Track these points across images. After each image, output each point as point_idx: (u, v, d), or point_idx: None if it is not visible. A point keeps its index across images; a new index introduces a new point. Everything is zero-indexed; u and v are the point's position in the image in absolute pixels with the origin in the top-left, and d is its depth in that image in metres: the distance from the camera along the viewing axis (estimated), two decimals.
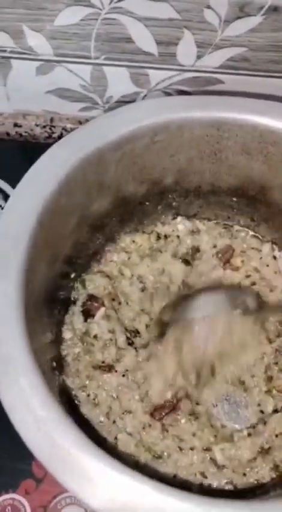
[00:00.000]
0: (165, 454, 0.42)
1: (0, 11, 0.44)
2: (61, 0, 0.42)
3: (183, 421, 0.43)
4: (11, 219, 0.35)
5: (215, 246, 0.51)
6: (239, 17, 0.43)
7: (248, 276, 0.49)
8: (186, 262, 0.50)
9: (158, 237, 0.52)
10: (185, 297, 0.47)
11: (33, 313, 0.38)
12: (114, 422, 0.44)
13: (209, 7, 0.42)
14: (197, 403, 0.44)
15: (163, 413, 0.43)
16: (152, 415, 0.43)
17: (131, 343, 0.47)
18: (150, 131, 0.41)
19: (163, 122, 0.40)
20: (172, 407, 0.43)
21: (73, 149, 0.38)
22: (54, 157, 0.38)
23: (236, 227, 0.53)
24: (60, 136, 0.58)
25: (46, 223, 0.37)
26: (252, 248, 0.51)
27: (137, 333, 0.48)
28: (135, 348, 0.47)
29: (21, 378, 0.31)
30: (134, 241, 0.52)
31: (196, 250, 0.51)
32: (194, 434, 0.43)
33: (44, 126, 0.57)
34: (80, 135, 0.39)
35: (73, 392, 0.45)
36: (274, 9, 0.42)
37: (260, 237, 0.52)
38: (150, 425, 0.43)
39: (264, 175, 0.45)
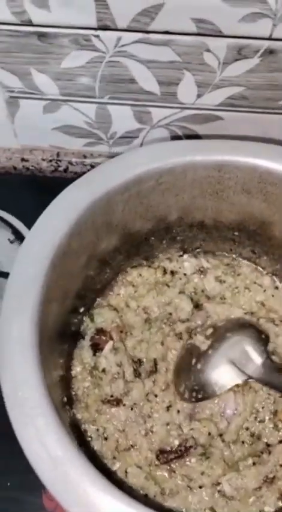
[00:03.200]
0: (174, 491, 0.43)
1: (10, 54, 0.46)
2: (68, 45, 0.44)
3: (193, 460, 0.44)
4: (26, 261, 0.37)
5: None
6: (237, 59, 0.45)
7: (252, 313, 0.51)
8: (196, 305, 0.52)
9: (164, 272, 0.53)
10: (192, 351, 0.48)
11: (46, 351, 0.39)
12: (123, 456, 0.45)
13: (208, 50, 0.44)
14: (210, 445, 0.44)
15: (169, 458, 0.44)
16: (157, 456, 0.44)
17: (138, 375, 0.48)
18: (156, 174, 0.43)
19: (168, 166, 0.42)
20: (180, 454, 0.44)
21: (83, 194, 0.40)
22: (65, 202, 0.40)
23: (238, 262, 0.54)
24: (66, 170, 0.60)
25: (58, 264, 0.39)
26: (255, 283, 0.52)
27: (140, 362, 0.49)
28: (143, 380, 0.47)
29: (38, 417, 0.32)
30: (140, 275, 0.53)
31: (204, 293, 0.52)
32: (203, 473, 0.44)
33: (50, 160, 0.59)
34: (89, 180, 0.41)
35: (83, 427, 0.46)
36: (270, 51, 0.44)
37: (260, 269, 0.54)
38: (156, 465, 0.44)
39: (263, 212, 0.47)
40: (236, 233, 0.52)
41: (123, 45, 0.44)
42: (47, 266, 0.37)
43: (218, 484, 0.44)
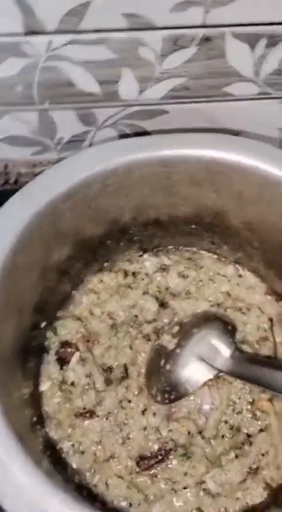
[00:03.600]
0: (158, 496, 0.42)
1: None
2: None
3: (174, 462, 0.43)
4: None
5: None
6: (174, 50, 0.44)
7: (219, 304, 0.50)
8: (162, 304, 0.51)
9: (126, 274, 0.52)
10: (161, 351, 0.47)
11: (4, 373, 0.38)
12: (102, 468, 0.44)
13: (143, 45, 0.43)
14: (191, 444, 0.44)
15: (150, 464, 0.43)
16: (138, 463, 0.43)
17: (109, 383, 0.47)
18: (101, 177, 0.41)
19: (112, 167, 0.41)
20: (161, 459, 0.43)
21: (25, 206, 0.39)
22: (6, 217, 0.38)
23: (200, 254, 0.53)
24: (16, 181, 0.58)
25: (6, 282, 0.37)
26: (218, 274, 0.52)
27: (111, 369, 0.47)
28: (115, 388, 0.46)
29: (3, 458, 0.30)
30: (101, 281, 0.52)
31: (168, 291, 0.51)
32: (185, 474, 0.43)
33: None
34: (30, 191, 0.40)
35: (59, 445, 0.44)
36: (206, 39, 0.43)
37: (223, 259, 0.53)
38: (137, 472, 0.43)
39: (216, 203, 0.46)
40: (193, 226, 0.51)
41: (55, 49, 0.43)
42: None
43: (202, 482, 0.43)
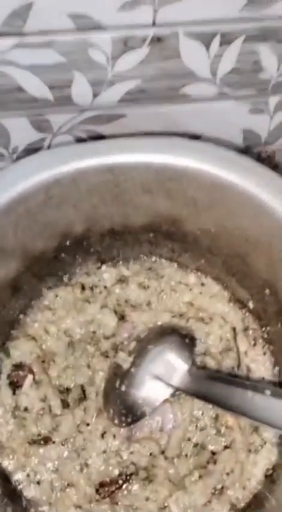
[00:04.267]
0: None
1: None
2: None
3: (135, 487, 0.41)
4: None
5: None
6: (125, 51, 0.42)
7: (181, 315, 0.48)
8: (122, 317, 0.48)
9: (83, 288, 0.50)
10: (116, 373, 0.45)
11: None
12: (59, 498, 0.41)
13: (92, 46, 0.41)
14: (153, 466, 0.41)
15: (110, 491, 0.40)
16: (97, 491, 0.41)
17: (67, 406, 0.44)
18: (42, 188, 0.39)
19: (53, 177, 0.38)
20: (121, 484, 0.41)
21: None
22: None
23: (160, 263, 0.51)
24: None
25: None
26: (180, 283, 0.49)
27: (68, 390, 0.45)
28: (72, 411, 0.44)
29: None
30: (57, 296, 0.49)
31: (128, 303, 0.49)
32: (147, 499, 0.41)
33: None
34: None
35: (12, 476, 0.41)
36: (158, 39, 0.41)
37: (184, 267, 0.51)
38: (97, 500, 0.40)
39: (171, 210, 0.44)
40: (151, 234, 0.49)
41: (0, 53, 0.40)
42: None
43: (165, 507, 0.41)
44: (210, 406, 0.44)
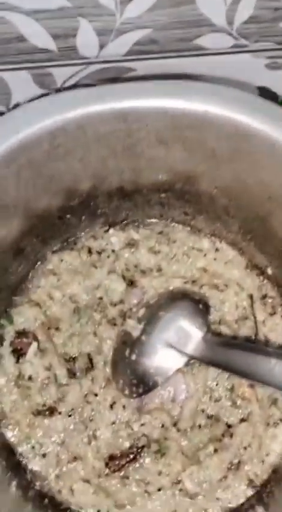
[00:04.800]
0: (130, 500, 0.37)
1: None
2: None
3: (147, 461, 0.39)
4: None
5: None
6: None
7: (194, 281, 0.45)
8: (131, 283, 0.45)
9: (90, 252, 0.46)
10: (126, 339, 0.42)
11: None
12: (66, 472, 0.38)
13: None
14: (165, 438, 0.39)
15: (121, 465, 0.38)
16: (107, 465, 0.38)
17: (73, 375, 0.42)
18: (47, 135, 0.35)
19: (59, 123, 0.35)
20: (132, 458, 0.38)
21: None
22: None
23: (172, 227, 0.48)
24: None
25: None
26: (193, 248, 0.46)
27: (74, 359, 0.42)
28: (79, 381, 0.41)
29: None
30: (62, 260, 0.46)
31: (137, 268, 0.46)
32: (160, 473, 0.38)
33: None
34: None
35: (16, 448, 0.39)
36: None
37: (197, 232, 0.48)
38: (106, 474, 0.38)
39: (187, 164, 0.40)
40: (163, 195, 0.46)
41: None
42: None
43: (179, 482, 0.38)
44: (226, 376, 0.41)
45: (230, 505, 0.38)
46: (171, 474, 0.38)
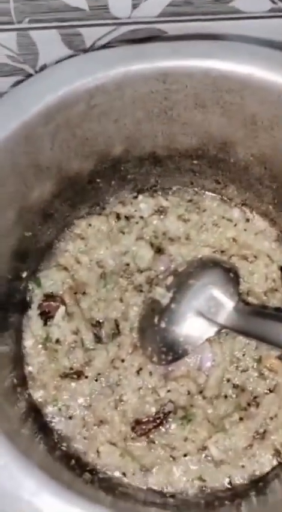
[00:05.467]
0: (155, 464, 0.38)
1: None
2: None
3: (173, 426, 0.39)
4: None
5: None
6: None
7: (223, 251, 0.44)
8: (158, 250, 0.45)
9: (118, 218, 0.46)
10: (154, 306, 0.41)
11: None
12: (92, 434, 0.39)
13: None
14: (191, 405, 0.39)
15: (147, 429, 0.38)
16: (133, 429, 0.38)
17: (99, 340, 0.42)
18: (85, 94, 0.34)
19: (98, 81, 0.34)
20: (158, 423, 0.38)
21: None
22: None
23: (202, 196, 0.47)
24: None
25: None
26: (223, 217, 0.45)
27: (100, 324, 0.42)
28: (105, 346, 0.41)
29: None
30: (90, 225, 0.46)
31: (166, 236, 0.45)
32: (186, 439, 0.38)
33: None
34: None
35: (43, 409, 0.39)
36: None
37: (228, 201, 0.47)
38: (132, 438, 0.38)
39: (224, 130, 0.39)
40: (195, 161, 0.45)
41: None
42: None
43: (204, 448, 0.38)
44: (253, 347, 0.41)
45: (255, 473, 0.38)
46: (197, 441, 0.38)
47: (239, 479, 0.38)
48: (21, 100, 0.33)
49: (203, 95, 0.36)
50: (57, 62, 0.47)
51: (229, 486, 0.37)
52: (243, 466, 0.38)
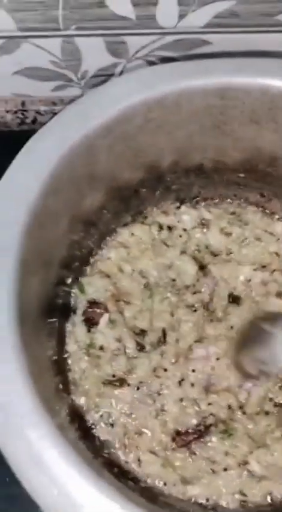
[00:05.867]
0: (196, 477, 0.38)
1: None
2: None
3: (214, 440, 0.39)
4: None
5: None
6: None
7: (264, 266, 0.44)
8: (201, 266, 0.45)
9: (160, 228, 0.46)
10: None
11: (30, 335, 0.33)
12: (133, 442, 0.39)
13: None
14: (232, 419, 0.39)
15: (187, 440, 0.38)
16: (174, 439, 0.39)
17: (141, 349, 0.42)
18: (144, 108, 0.35)
19: (158, 95, 0.34)
20: (200, 435, 0.38)
21: (55, 141, 0.32)
22: (34, 154, 0.31)
23: (245, 208, 0.47)
24: (34, 121, 0.53)
25: (34, 231, 0.31)
26: (266, 231, 0.45)
27: (143, 333, 0.43)
28: (148, 354, 0.41)
29: (27, 429, 0.25)
30: (133, 234, 0.46)
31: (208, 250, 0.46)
32: (226, 454, 0.38)
33: (15, 112, 0.51)
34: (61, 123, 0.33)
35: (85, 415, 0.40)
36: None
37: (270, 214, 0.47)
38: (173, 449, 0.38)
39: (275, 146, 0.39)
40: (242, 175, 0.45)
41: None
42: (21, 233, 0.30)
43: (245, 463, 0.38)
44: None
45: None
46: (238, 456, 0.39)
47: (281, 495, 0.38)
48: (84, 113, 0.33)
49: (259, 111, 0.37)
50: (100, 69, 0.48)
51: (270, 502, 0.37)
52: None
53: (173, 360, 0.41)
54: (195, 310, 0.43)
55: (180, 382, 0.41)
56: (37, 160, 0.32)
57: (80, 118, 0.34)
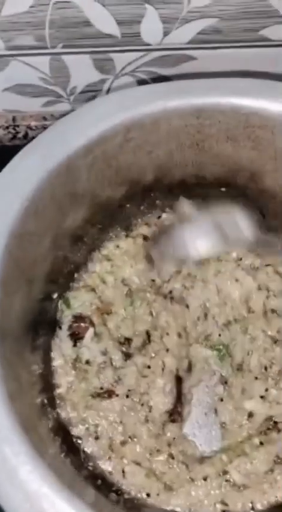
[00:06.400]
0: (176, 484, 0.38)
1: None
2: None
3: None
4: None
5: None
6: None
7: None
8: None
9: (145, 239, 0.47)
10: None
11: (12, 352, 0.33)
12: (118, 454, 0.40)
13: None
14: None
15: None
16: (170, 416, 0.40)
17: (128, 357, 0.43)
18: (123, 129, 0.36)
19: (136, 117, 0.35)
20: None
21: (36, 162, 0.33)
22: (15, 174, 0.32)
23: None
24: (25, 136, 0.53)
25: (15, 251, 0.32)
26: None
27: (128, 341, 0.43)
28: (135, 363, 0.42)
29: (3, 445, 0.26)
30: (118, 247, 0.47)
31: None
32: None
33: (7, 127, 0.52)
34: (42, 144, 0.34)
35: (71, 429, 0.40)
36: None
37: None
38: (157, 450, 0.39)
39: (254, 162, 0.40)
40: (223, 189, 0.46)
41: None
42: (1, 255, 0.31)
43: (225, 473, 0.39)
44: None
45: (277, 498, 0.38)
46: (217, 464, 0.39)
47: (262, 504, 0.38)
48: (65, 134, 0.34)
49: (234, 130, 0.38)
50: (88, 85, 0.49)
51: (252, 511, 0.38)
52: (265, 492, 0.38)
53: (153, 354, 0.42)
54: (165, 297, 0.44)
55: (163, 370, 0.42)
56: (17, 182, 0.33)
57: (60, 139, 0.35)
